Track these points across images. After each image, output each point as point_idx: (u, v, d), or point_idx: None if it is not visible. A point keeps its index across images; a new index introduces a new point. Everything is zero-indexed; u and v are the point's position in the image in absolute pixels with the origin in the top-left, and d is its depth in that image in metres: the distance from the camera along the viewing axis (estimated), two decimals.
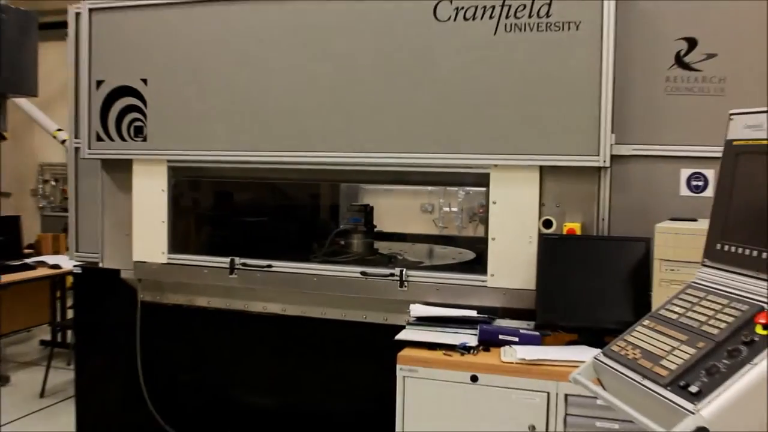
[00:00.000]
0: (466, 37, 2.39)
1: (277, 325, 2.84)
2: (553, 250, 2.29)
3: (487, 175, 2.44)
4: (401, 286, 2.55)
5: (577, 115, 2.29)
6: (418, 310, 2.40)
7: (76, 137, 3.03)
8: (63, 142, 5.91)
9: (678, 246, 1.95)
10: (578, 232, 2.33)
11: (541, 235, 2.36)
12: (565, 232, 2.34)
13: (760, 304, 1.30)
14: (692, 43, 2.23)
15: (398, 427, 2.12)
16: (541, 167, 2.37)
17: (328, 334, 2.77)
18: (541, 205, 2.39)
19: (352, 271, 2.64)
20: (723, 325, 1.30)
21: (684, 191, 2.26)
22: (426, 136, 2.47)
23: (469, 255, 3.16)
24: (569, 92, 2.30)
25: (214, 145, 2.76)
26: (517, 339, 2.19)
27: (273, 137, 2.67)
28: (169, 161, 2.87)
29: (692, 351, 1.29)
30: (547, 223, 2.39)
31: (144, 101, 2.85)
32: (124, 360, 3.05)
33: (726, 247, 1.44)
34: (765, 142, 1.40)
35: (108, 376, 3.17)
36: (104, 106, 2.90)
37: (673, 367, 1.28)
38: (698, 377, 1.22)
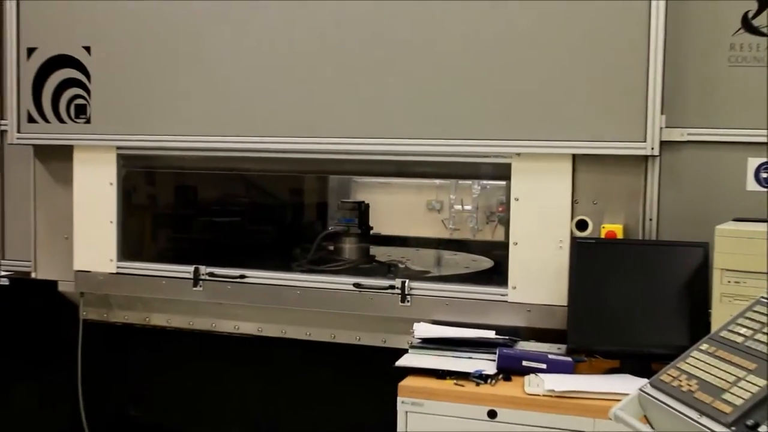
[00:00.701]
0: None
1: (252, 348, 2.83)
2: (589, 257, 2.28)
3: (508, 166, 2.43)
4: (403, 300, 2.55)
5: (618, 92, 2.28)
6: (423, 330, 2.40)
7: (2, 118, 3.01)
8: None
9: (744, 252, 1.94)
10: (620, 235, 2.33)
11: (574, 240, 2.35)
12: (603, 236, 2.34)
13: None
14: (763, 2, 2.21)
15: None
16: (574, 156, 2.37)
17: (313, 359, 2.77)
18: (574, 202, 2.39)
19: (343, 282, 2.64)
20: None
21: (752, 185, 2.26)
22: (433, 119, 2.46)
23: (485, 263, 3.17)
24: (609, 63, 2.29)
25: (175, 128, 2.75)
26: (544, 366, 2.19)
27: (248, 120, 2.66)
28: (119, 148, 2.85)
29: (762, 382, 1.28)
30: (582, 225, 2.39)
31: (87, 74, 2.82)
32: (62, 393, 3.03)
33: None
34: None
35: (42, 414, 3.15)
36: (37, 80, 2.87)
37: (738, 402, 1.27)
38: None
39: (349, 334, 2.68)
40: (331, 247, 3.14)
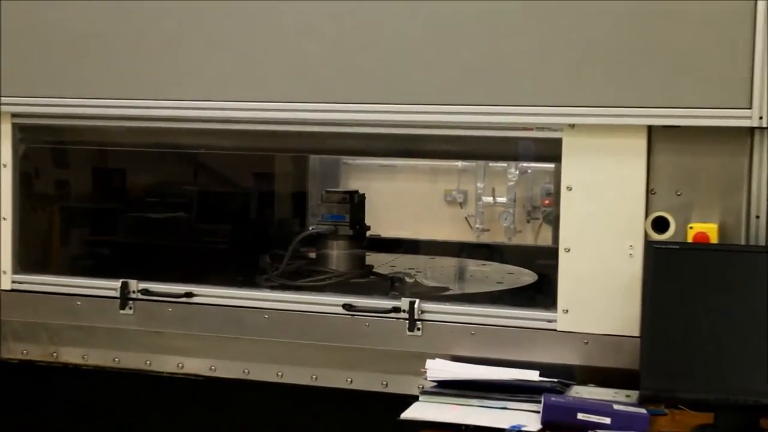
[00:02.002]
0: None
1: (201, 393, 2.82)
2: (671, 269, 2.27)
3: (558, 142, 2.43)
4: (411, 328, 2.55)
5: (712, 42, 2.27)
6: (439, 369, 2.40)
7: None
8: None
9: None
10: (714, 239, 2.32)
11: (649, 245, 2.34)
12: (691, 239, 2.33)
13: None
14: None
15: None
16: (651, 128, 2.36)
17: (287, 409, 2.76)
18: (649, 192, 2.38)
19: (329, 302, 2.64)
20: None
21: None
22: (453, 77, 2.46)
23: (525, 277, 3.19)
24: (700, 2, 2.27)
25: (94, 88, 2.74)
26: (608, 420, 2.17)
27: (197, 78, 2.66)
28: (14, 115, 2.84)
29: None
30: (661, 224, 2.38)
31: None
32: None
33: None
34: None
35: None
36: None
37: None
38: None
39: (336, 374, 2.67)
40: (313, 255, 3.15)
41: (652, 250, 2.30)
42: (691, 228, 2.33)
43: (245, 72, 2.62)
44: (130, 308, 2.78)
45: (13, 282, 2.87)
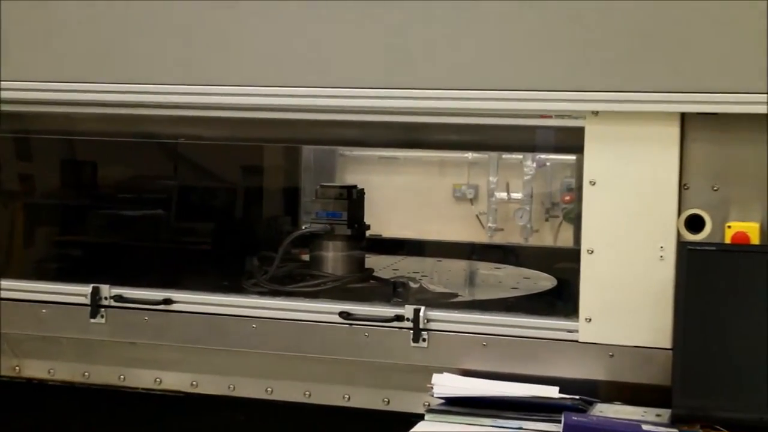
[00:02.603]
0: None
1: (182, 412, 2.83)
2: (707, 273, 2.28)
3: (581, 131, 2.43)
4: (416, 339, 2.55)
5: (753, 19, 2.26)
6: (447, 384, 2.41)
7: None
8: None
9: None
10: (755, 240, 2.31)
11: (682, 246, 2.34)
12: (729, 240, 2.33)
13: None
14: None
15: None
16: (684, 116, 2.36)
17: (278, 429, 2.78)
18: (682, 187, 2.38)
19: (325, 310, 2.64)
20: None
21: None
22: (464, 60, 2.46)
23: (543, 281, 3.20)
24: None
25: (62, 70, 2.74)
26: None
27: (179, 59, 2.66)
28: None
29: None
30: (695, 223, 2.38)
31: None
32: None
33: None
34: None
35: None
36: None
37: None
38: None
39: (332, 390, 2.67)
40: (306, 257, 3.16)
41: (685, 252, 2.31)
42: (729, 227, 2.33)
43: (230, 53, 2.62)
44: (102, 317, 2.77)
45: None
